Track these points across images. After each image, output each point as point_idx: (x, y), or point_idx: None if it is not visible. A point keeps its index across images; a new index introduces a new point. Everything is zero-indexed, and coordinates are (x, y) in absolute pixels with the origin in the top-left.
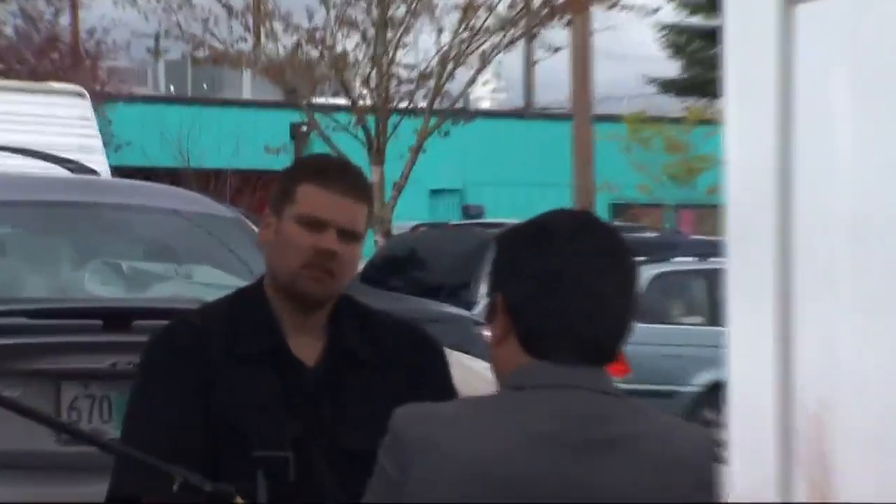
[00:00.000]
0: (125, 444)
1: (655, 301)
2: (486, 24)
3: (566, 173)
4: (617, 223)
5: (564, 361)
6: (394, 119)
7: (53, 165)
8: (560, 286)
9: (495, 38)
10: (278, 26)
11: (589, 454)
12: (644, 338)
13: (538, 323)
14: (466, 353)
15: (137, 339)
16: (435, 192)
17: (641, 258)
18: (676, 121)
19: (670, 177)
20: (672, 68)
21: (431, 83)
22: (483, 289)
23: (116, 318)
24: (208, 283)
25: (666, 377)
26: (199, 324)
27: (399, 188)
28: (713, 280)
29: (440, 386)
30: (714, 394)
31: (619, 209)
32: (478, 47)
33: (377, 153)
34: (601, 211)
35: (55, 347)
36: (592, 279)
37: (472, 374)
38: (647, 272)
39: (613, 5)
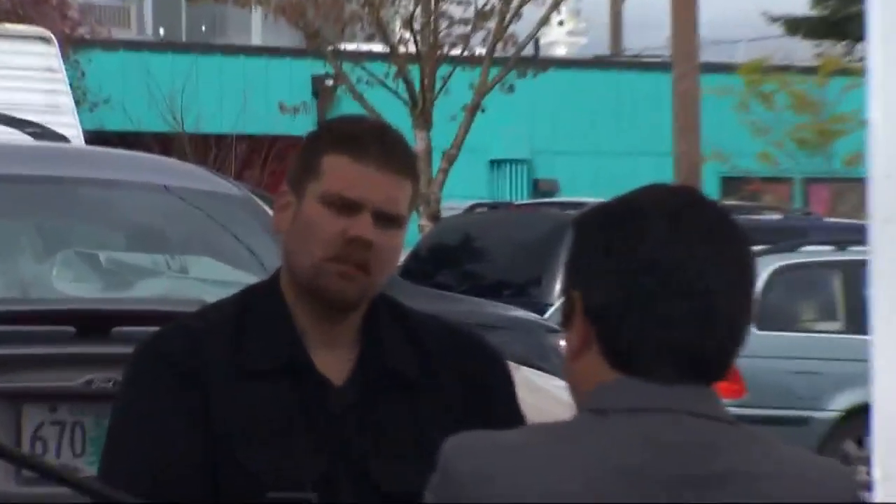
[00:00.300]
0: (104, 483)
1: (779, 302)
2: None
3: (664, 139)
4: (729, 202)
5: (660, 378)
6: (444, 70)
7: (11, 129)
8: (655, 283)
9: None
10: None
11: (688, 495)
12: (764, 349)
13: (627, 329)
14: (536, 368)
15: (119, 350)
16: (496, 164)
17: (760, 247)
18: (807, 71)
19: (799, 142)
20: (801, 3)
21: (492, 24)
22: (558, 286)
23: (92, 323)
24: (209, 279)
25: (793, 399)
26: (198, 331)
27: (451, 158)
28: (853, 274)
29: (503, 409)
30: (857, 420)
31: (731, 184)
32: None
33: (423, 114)
34: (709, 186)
35: (15, 361)
36: (697, 274)
37: (542, 394)
38: (769, 265)
39: None
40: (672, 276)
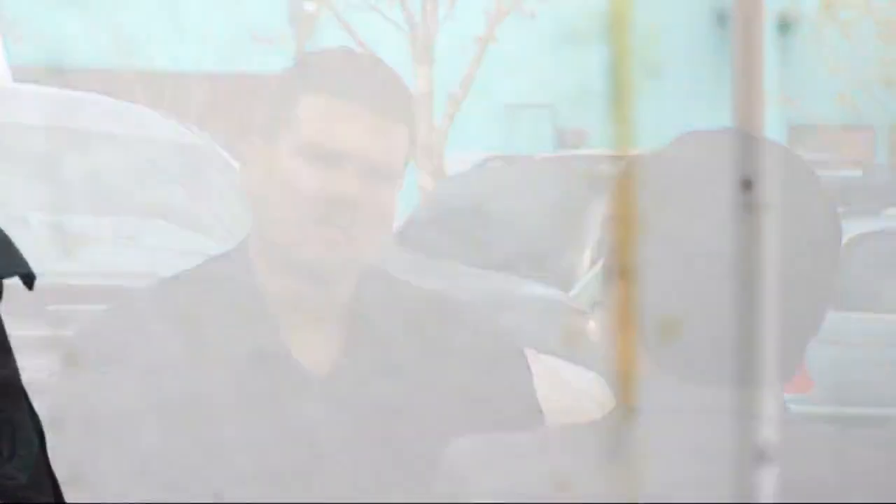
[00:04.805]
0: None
1: (857, 276)
2: None
3: (720, 77)
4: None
5: (705, 378)
6: None
7: None
8: (711, 271)
9: None
10: None
11: None
12: (837, 333)
13: (669, 319)
14: (561, 357)
15: (51, 334)
16: (513, 108)
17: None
18: None
19: (885, 82)
20: None
21: None
22: (587, 257)
23: (20, 300)
24: (161, 247)
25: (873, 395)
26: (150, 311)
27: (457, 101)
28: None
29: (519, 408)
30: None
31: (800, 133)
32: None
33: (423, 46)
34: (774, 134)
35: None
36: (763, 263)
37: (568, 389)
38: (845, 232)
39: None
40: (731, 264)
